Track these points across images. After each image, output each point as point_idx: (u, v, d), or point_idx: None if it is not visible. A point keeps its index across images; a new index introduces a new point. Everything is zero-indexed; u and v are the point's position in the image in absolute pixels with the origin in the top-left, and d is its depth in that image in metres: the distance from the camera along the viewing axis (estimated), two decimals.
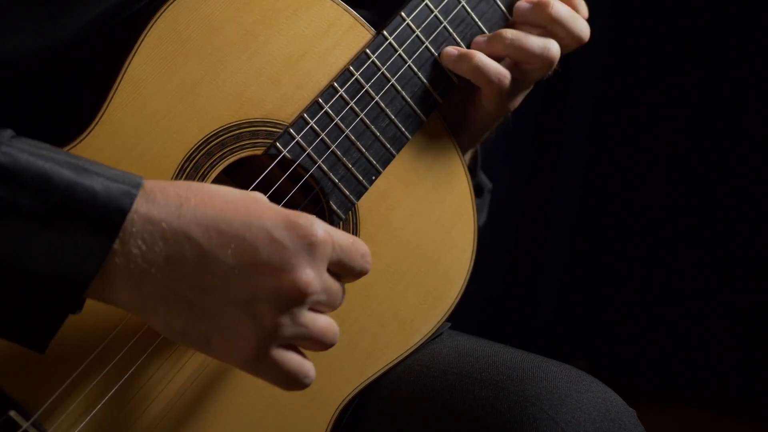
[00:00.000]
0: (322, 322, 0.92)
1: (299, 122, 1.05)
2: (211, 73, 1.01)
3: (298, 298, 0.89)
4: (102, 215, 0.85)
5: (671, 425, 1.09)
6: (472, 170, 1.27)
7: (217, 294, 0.88)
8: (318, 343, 0.92)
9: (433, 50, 1.12)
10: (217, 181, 1.03)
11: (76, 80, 1.03)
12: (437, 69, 1.12)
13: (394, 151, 1.10)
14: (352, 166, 1.08)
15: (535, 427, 1.02)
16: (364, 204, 1.10)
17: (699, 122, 2.52)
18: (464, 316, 1.23)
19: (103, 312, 0.95)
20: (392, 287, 1.11)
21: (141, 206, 0.87)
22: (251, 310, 0.88)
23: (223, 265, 0.88)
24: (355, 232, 1.10)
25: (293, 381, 0.91)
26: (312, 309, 0.92)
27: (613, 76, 2.52)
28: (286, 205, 0.98)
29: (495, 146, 1.33)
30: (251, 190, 1.03)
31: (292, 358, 0.91)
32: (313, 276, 0.89)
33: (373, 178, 1.10)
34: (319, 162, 1.07)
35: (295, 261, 0.89)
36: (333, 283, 0.93)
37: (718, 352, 2.56)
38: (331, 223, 1.07)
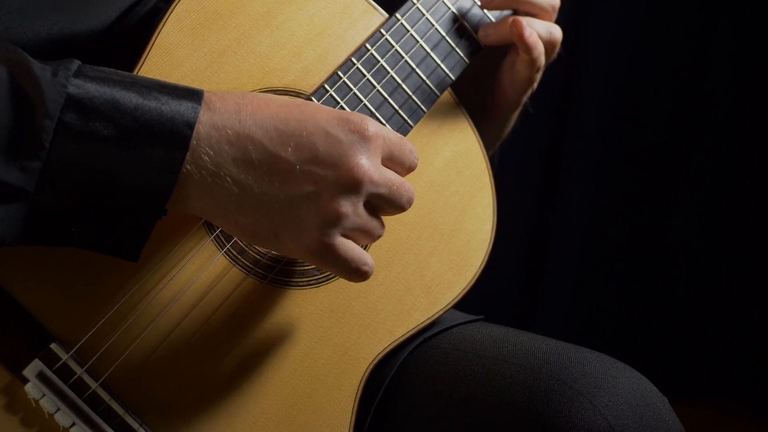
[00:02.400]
0: (377, 221, 0.99)
1: (320, 91, 1.11)
2: (235, 44, 1.08)
3: (357, 186, 0.95)
4: (171, 131, 0.92)
5: None
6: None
7: (283, 189, 0.94)
8: (370, 235, 0.99)
9: (442, 32, 1.19)
10: None
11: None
12: (448, 49, 1.19)
13: (411, 123, 1.15)
14: None
15: (573, 410, 1.02)
16: None
17: (708, 124, 2.53)
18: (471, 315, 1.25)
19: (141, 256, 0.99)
20: (416, 252, 1.15)
21: (204, 116, 0.93)
22: (315, 203, 0.95)
23: (286, 162, 0.94)
24: None
25: (356, 269, 0.98)
26: (376, 207, 0.99)
27: (622, 78, 2.54)
28: None
29: (503, 146, 1.38)
30: None
31: (353, 247, 0.98)
32: (369, 165, 0.96)
33: None
34: None
35: (351, 152, 0.96)
36: (393, 176, 0.99)
37: (720, 352, 2.54)
38: None
